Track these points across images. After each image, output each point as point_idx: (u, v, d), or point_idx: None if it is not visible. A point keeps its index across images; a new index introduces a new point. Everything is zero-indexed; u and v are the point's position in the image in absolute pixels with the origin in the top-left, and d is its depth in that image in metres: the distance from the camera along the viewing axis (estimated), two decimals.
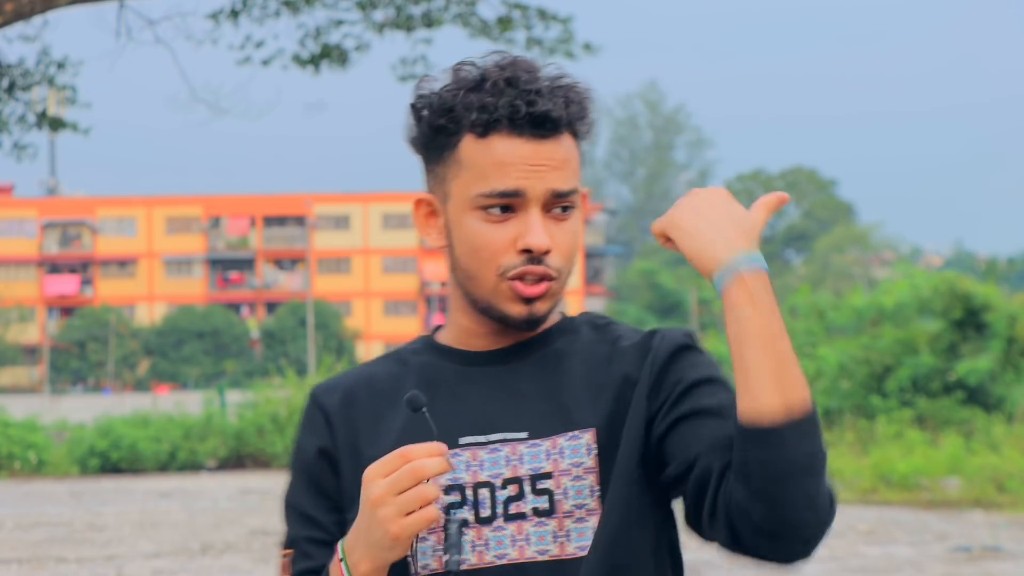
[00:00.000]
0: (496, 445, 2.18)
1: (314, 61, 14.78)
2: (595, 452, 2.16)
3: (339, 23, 14.77)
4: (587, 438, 2.17)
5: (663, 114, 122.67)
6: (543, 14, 14.78)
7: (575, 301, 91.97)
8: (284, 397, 29.77)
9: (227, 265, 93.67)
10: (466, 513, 2.16)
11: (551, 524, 2.15)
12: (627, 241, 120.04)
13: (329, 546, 2.20)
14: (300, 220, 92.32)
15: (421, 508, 2.02)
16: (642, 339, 2.23)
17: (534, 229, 2.16)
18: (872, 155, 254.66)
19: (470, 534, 2.16)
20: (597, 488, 2.16)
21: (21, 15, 11.18)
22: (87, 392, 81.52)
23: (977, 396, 24.85)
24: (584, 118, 2.22)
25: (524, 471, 2.16)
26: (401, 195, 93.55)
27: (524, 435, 2.18)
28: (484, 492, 2.17)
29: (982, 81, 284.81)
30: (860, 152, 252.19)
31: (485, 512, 2.16)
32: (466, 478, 2.17)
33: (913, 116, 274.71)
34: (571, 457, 2.16)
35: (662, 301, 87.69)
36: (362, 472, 2.14)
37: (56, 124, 14.63)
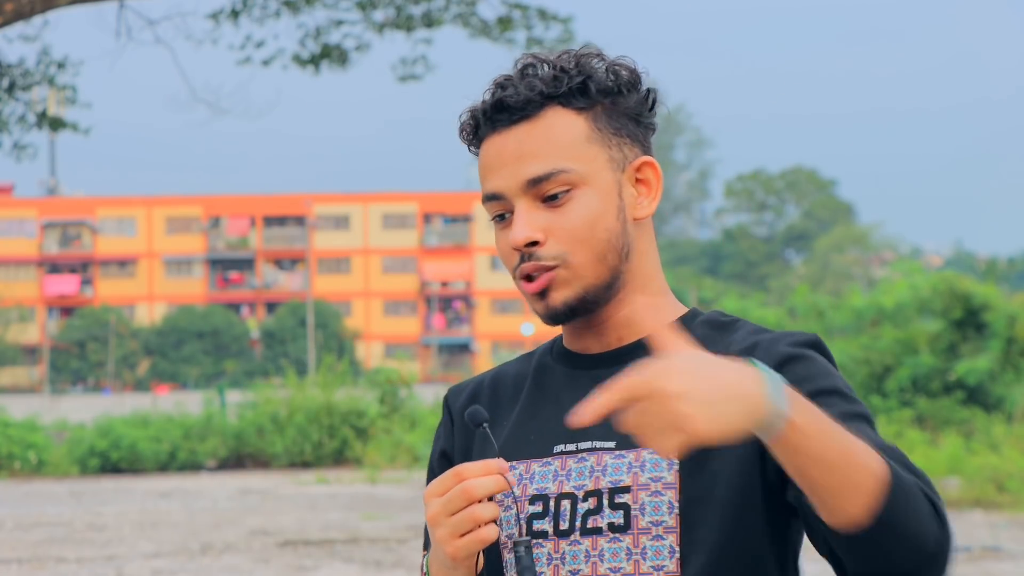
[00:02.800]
0: (584, 455, 2.11)
1: (314, 61, 14.78)
2: (676, 467, 2.05)
3: (339, 23, 14.77)
4: None
5: (663, 114, 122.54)
6: (543, 14, 14.78)
7: None
8: (284, 397, 29.76)
9: (227, 265, 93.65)
10: (546, 525, 2.11)
11: (626, 540, 2.06)
12: None
13: None
14: (300, 220, 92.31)
15: (476, 528, 1.99)
16: (750, 345, 2.08)
17: (513, 226, 2.10)
18: (872, 155, 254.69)
19: (547, 547, 2.10)
20: (676, 505, 2.04)
21: (21, 15, 11.18)
22: (87, 392, 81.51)
23: (977, 396, 24.85)
24: (575, 87, 2.11)
25: (605, 483, 2.08)
26: (401, 195, 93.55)
27: (611, 445, 2.09)
28: (566, 504, 2.10)
29: (982, 81, 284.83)
30: (860, 152, 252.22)
31: (564, 525, 2.10)
32: (552, 488, 2.12)
33: (913, 116, 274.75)
34: (651, 471, 2.06)
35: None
36: None
37: (56, 124, 14.63)
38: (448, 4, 14.59)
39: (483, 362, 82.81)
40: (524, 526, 2.11)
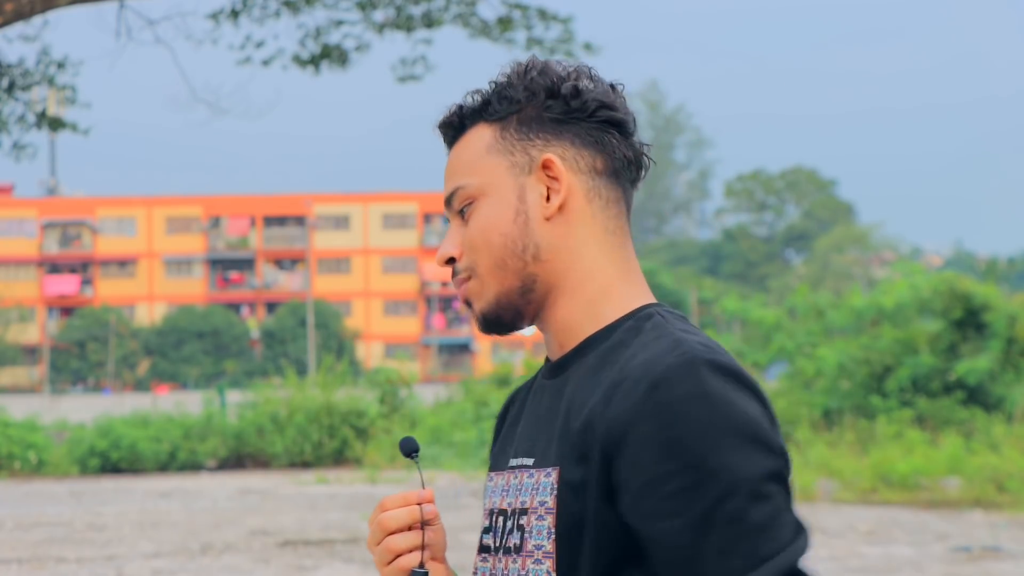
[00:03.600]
0: (515, 471, 2.13)
1: (314, 61, 14.78)
2: (555, 492, 2.01)
3: (339, 23, 14.77)
4: (554, 476, 2.02)
5: (663, 114, 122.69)
6: (543, 14, 14.78)
7: None
8: (284, 397, 29.76)
9: (227, 265, 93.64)
10: (490, 539, 2.13)
11: (519, 562, 2.07)
12: None
13: None
14: (300, 220, 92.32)
15: (396, 559, 2.07)
16: (613, 383, 1.98)
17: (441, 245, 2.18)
18: (872, 155, 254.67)
19: (490, 561, 2.12)
20: (554, 531, 2.01)
21: (21, 15, 11.18)
22: (87, 392, 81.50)
23: (977, 396, 24.85)
24: (490, 100, 2.13)
25: (518, 503, 2.09)
26: (401, 195, 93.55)
27: (530, 462, 2.10)
28: (500, 520, 2.13)
29: (982, 81, 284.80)
30: (860, 152, 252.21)
31: (498, 541, 2.12)
32: (497, 502, 2.14)
33: (913, 116, 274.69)
34: (541, 494, 2.04)
35: (662, 301, 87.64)
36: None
37: (56, 124, 14.63)
38: (448, 4, 14.59)
39: (483, 362, 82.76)
40: (480, 540, 2.17)
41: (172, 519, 19.60)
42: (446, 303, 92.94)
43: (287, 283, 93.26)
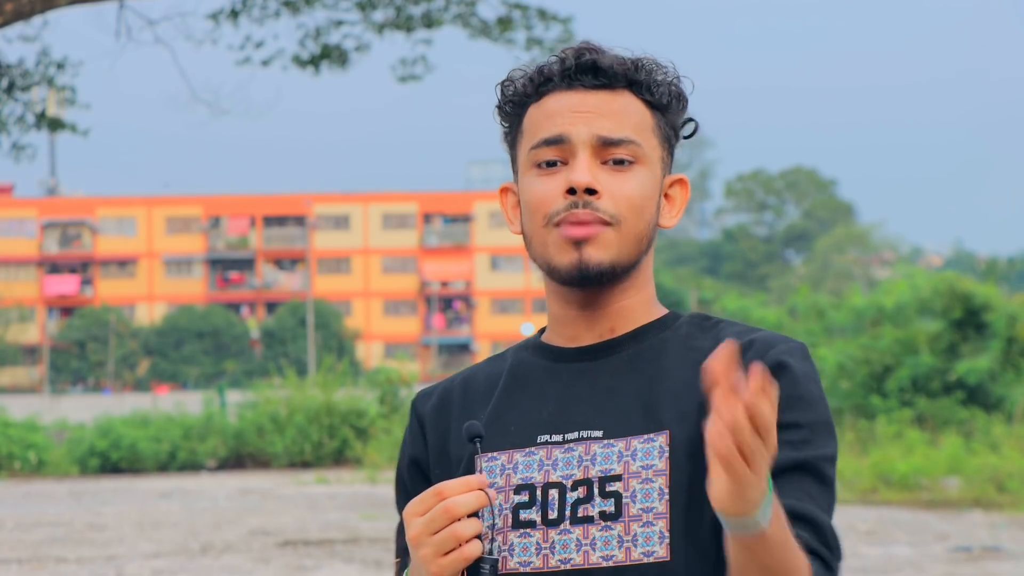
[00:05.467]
0: (571, 444, 2.13)
1: (314, 61, 14.77)
2: (667, 455, 2.08)
3: (339, 23, 14.76)
4: (661, 440, 2.09)
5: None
6: (543, 14, 14.78)
7: None
8: (284, 397, 29.75)
9: (227, 265, 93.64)
10: (534, 514, 2.12)
11: (617, 528, 2.08)
12: None
13: None
14: (300, 220, 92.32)
15: (459, 547, 2.00)
16: (746, 341, 2.14)
17: (576, 168, 2.12)
18: (872, 155, 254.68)
19: (535, 536, 2.11)
20: (667, 492, 2.07)
21: (21, 15, 11.18)
22: (87, 392, 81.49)
23: (977, 396, 24.85)
24: (652, 85, 2.18)
25: (595, 472, 2.10)
26: (401, 195, 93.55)
27: (599, 434, 2.12)
28: (553, 493, 2.12)
29: (982, 81, 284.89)
30: (860, 152, 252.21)
31: (553, 514, 2.11)
32: (537, 478, 2.13)
33: (913, 116, 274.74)
34: (643, 459, 2.09)
35: (662, 301, 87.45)
36: (452, 473, 2.17)
37: (55, 125, 14.62)
38: (448, 4, 14.59)
39: None
40: (510, 517, 2.12)
41: (172, 519, 19.59)
42: (446, 303, 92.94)
43: (287, 283, 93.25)
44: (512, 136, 2.23)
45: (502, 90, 2.22)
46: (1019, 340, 24.71)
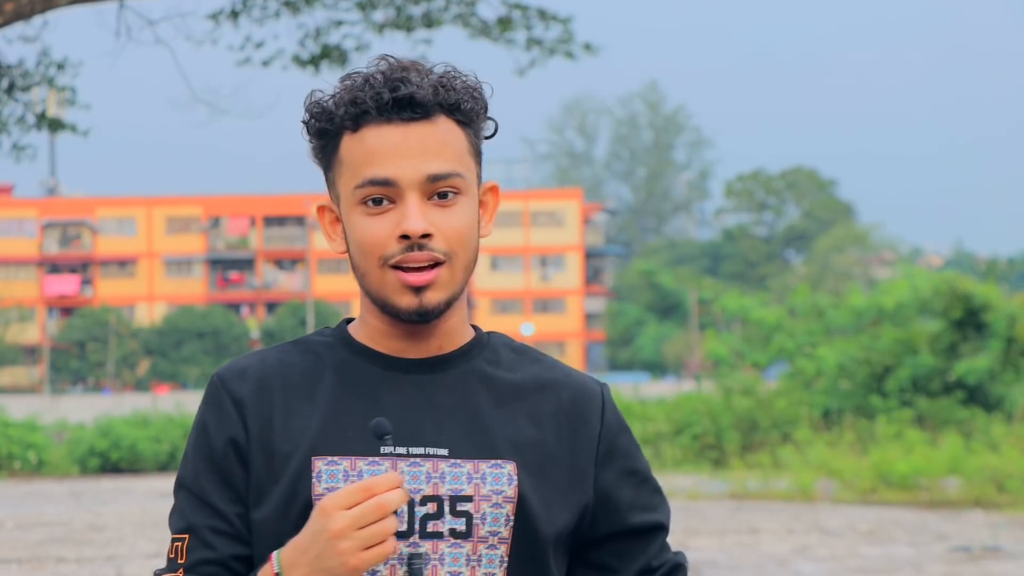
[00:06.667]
0: (417, 459, 2.16)
1: (314, 61, 14.77)
2: (515, 483, 2.17)
3: (339, 23, 14.76)
4: (509, 468, 2.18)
5: (663, 114, 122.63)
6: (543, 14, 14.77)
7: (575, 301, 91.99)
8: None
9: (227, 265, 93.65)
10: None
11: (466, 547, 2.16)
12: (627, 241, 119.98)
13: (232, 538, 2.18)
14: (300, 220, 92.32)
15: (383, 542, 2.03)
16: (588, 389, 2.29)
17: (409, 214, 2.13)
18: (872, 155, 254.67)
19: (428, 566, 2.15)
20: (512, 519, 2.17)
21: (21, 15, 11.18)
22: (87, 392, 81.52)
23: (977, 396, 24.85)
24: (464, 104, 2.18)
25: (445, 491, 2.16)
26: None
27: (444, 452, 2.17)
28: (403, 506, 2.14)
29: (983, 81, 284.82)
30: (860, 152, 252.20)
31: (402, 527, 2.14)
32: None
33: (914, 115, 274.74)
34: (492, 484, 2.17)
35: (662, 301, 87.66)
36: (275, 467, 2.16)
37: (55, 125, 14.62)
38: (448, 4, 14.58)
39: None
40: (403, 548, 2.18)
41: None
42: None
43: (287, 283, 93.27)
44: (327, 160, 2.23)
45: (310, 113, 2.21)
46: (1019, 340, 24.72)
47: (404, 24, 14.56)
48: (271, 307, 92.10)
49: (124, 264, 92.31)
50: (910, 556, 15.10)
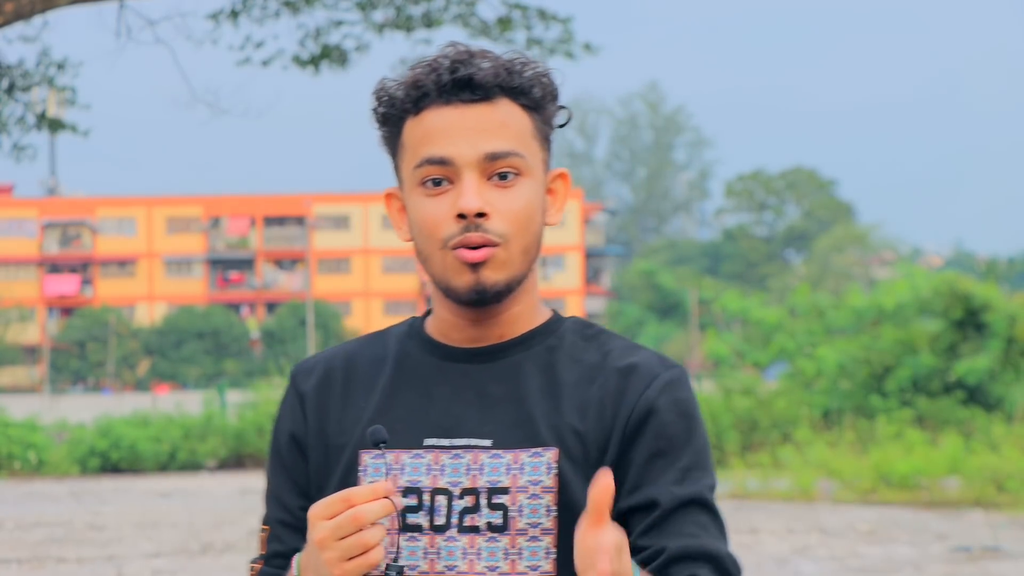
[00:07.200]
0: (459, 451, 2.15)
1: (314, 61, 14.77)
2: (555, 471, 2.13)
3: (339, 23, 14.76)
4: (549, 456, 2.14)
5: (663, 114, 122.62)
6: (543, 14, 14.77)
7: (575, 301, 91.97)
8: None
9: (227, 265, 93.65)
10: (421, 519, 2.15)
11: (503, 541, 2.13)
12: (627, 241, 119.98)
13: (298, 530, 2.20)
14: (300, 220, 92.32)
15: (364, 553, 2.01)
16: (639, 369, 2.19)
17: (464, 192, 2.12)
18: (872, 155, 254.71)
19: (422, 541, 2.14)
20: (555, 509, 2.12)
21: (21, 15, 11.18)
22: (87, 392, 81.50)
23: (977, 396, 24.85)
24: (528, 88, 2.17)
25: (482, 483, 2.13)
26: None
27: (488, 443, 2.15)
28: (441, 499, 2.15)
29: (984, 81, 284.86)
30: (860, 152, 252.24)
31: (440, 520, 2.14)
32: (425, 482, 2.16)
33: (914, 115, 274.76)
34: (531, 474, 2.13)
35: (662, 301, 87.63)
36: (330, 460, 2.18)
37: (55, 125, 14.62)
38: (448, 4, 14.59)
39: None
40: (398, 519, 2.13)
41: (172, 519, 19.59)
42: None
43: (287, 283, 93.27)
44: (392, 146, 2.23)
45: (377, 99, 2.22)
46: (1019, 340, 24.71)
47: (404, 24, 14.57)
48: (271, 307, 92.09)
49: (124, 264, 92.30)
50: (910, 556, 15.10)
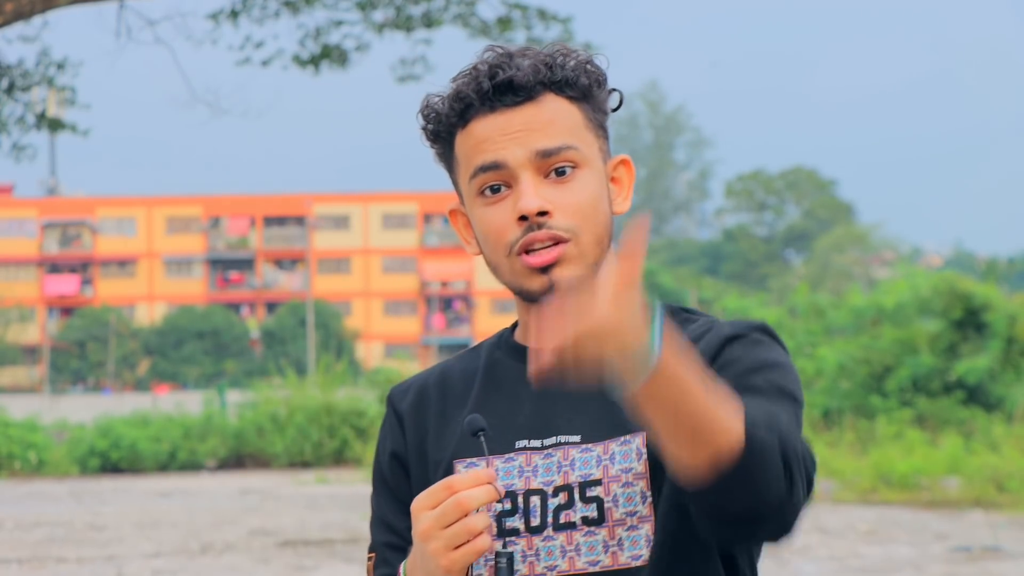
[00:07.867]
0: (550, 450, 2.13)
1: (314, 61, 14.78)
2: (645, 456, 2.08)
3: (339, 23, 14.77)
4: (637, 442, 2.09)
5: (663, 114, 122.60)
6: (543, 14, 14.78)
7: None
8: (284, 397, 29.75)
9: (227, 265, 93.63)
10: (517, 522, 2.12)
11: (601, 533, 2.09)
12: None
13: (405, 552, 2.17)
14: (300, 220, 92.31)
15: (470, 541, 1.97)
16: (714, 327, 2.16)
17: (523, 193, 2.09)
18: (873, 155, 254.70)
19: (520, 544, 2.11)
20: (649, 494, 2.08)
21: (21, 15, 11.18)
22: (87, 392, 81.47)
23: (977, 396, 24.84)
24: (573, 79, 2.15)
25: (574, 478, 2.10)
26: (401, 195, 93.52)
27: (577, 439, 2.12)
28: (535, 500, 2.12)
29: (984, 81, 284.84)
30: (861, 152, 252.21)
31: (535, 521, 2.11)
32: (519, 484, 2.13)
33: (914, 115, 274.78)
34: (621, 463, 2.09)
35: (662, 301, 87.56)
36: (428, 475, 2.16)
37: (55, 125, 14.63)
38: (448, 4, 14.59)
39: None
40: (494, 525, 2.11)
41: (172, 519, 19.59)
42: (446, 303, 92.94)
43: (287, 283, 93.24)
44: (447, 162, 2.21)
45: (424, 118, 2.20)
46: (1019, 340, 24.71)
47: (404, 24, 14.57)
48: (271, 307, 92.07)
49: (124, 264, 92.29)
50: (910, 556, 15.10)
